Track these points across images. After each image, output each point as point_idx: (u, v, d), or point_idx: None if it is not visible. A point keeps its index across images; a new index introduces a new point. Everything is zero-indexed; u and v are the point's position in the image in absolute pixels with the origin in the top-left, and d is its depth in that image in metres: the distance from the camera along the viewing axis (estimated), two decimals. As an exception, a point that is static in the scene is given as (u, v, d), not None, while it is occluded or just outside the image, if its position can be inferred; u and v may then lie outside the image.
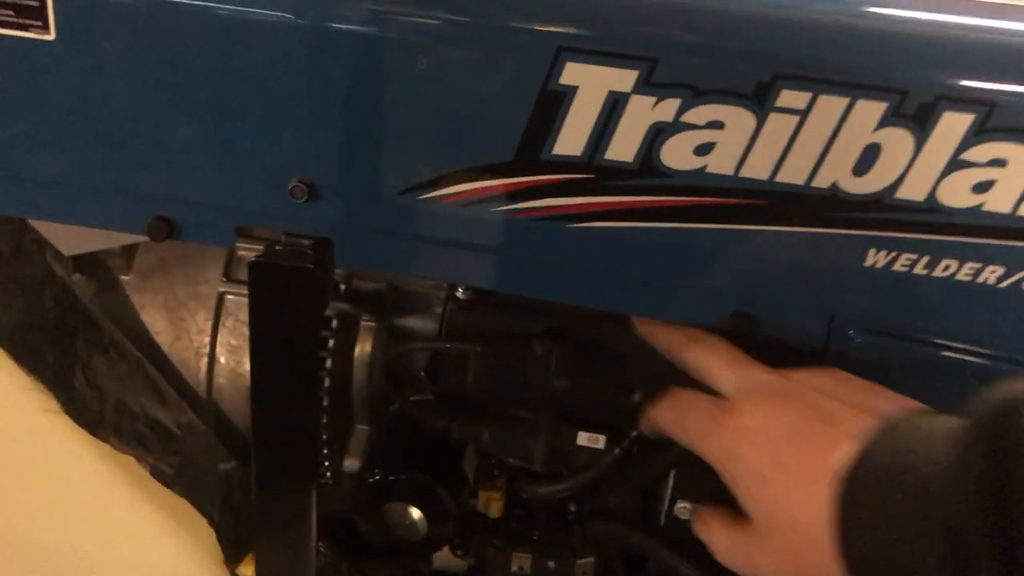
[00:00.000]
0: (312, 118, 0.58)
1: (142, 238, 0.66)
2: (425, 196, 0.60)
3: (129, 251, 0.85)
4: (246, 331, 0.84)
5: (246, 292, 0.82)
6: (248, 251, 0.81)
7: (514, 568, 0.85)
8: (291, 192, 0.61)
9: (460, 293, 0.70)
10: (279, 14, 0.56)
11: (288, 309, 0.64)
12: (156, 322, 0.86)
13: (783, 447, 0.51)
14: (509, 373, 0.73)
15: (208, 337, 0.85)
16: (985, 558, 0.40)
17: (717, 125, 0.55)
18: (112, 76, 0.59)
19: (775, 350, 0.63)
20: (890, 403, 0.52)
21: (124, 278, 0.86)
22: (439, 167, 0.59)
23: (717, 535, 0.57)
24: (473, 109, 0.57)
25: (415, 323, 0.86)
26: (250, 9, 0.56)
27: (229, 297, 0.84)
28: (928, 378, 0.61)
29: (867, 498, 0.46)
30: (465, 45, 0.56)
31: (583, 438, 0.74)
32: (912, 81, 0.53)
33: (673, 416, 0.60)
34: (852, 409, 0.51)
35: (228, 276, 0.84)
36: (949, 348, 0.60)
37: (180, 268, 0.86)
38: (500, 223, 0.60)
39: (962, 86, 0.53)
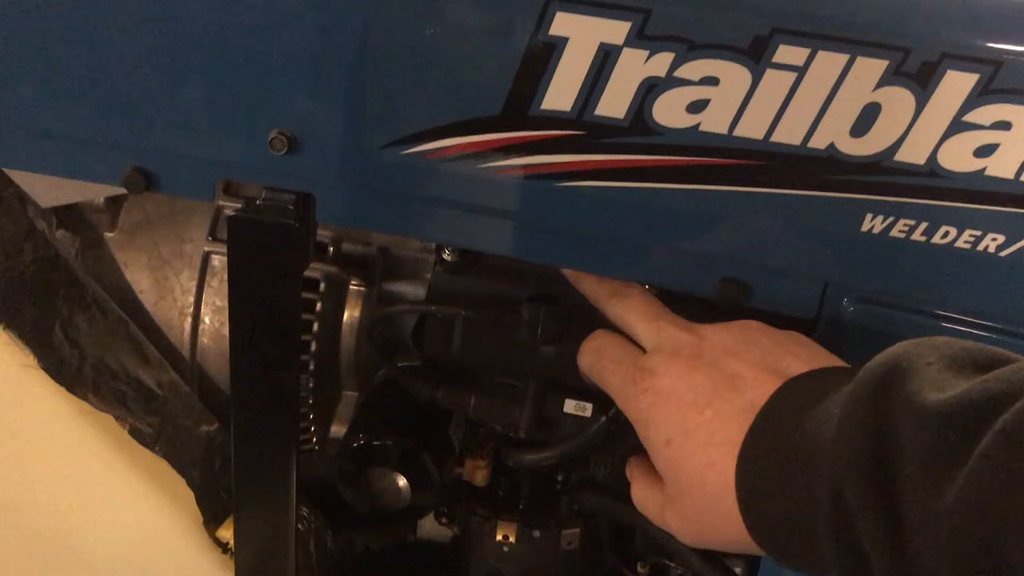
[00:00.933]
0: (292, 67, 0.57)
1: (119, 190, 0.64)
2: (408, 151, 0.58)
3: (114, 208, 0.83)
4: (231, 292, 0.83)
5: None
6: (234, 210, 0.79)
7: (499, 537, 0.84)
8: (271, 144, 0.59)
9: (446, 255, 0.68)
10: (260, -43, 0.54)
11: (268, 266, 0.63)
12: (140, 280, 0.84)
13: (689, 412, 0.52)
14: (496, 338, 0.71)
15: (193, 297, 0.83)
16: (866, 518, 0.41)
17: (712, 81, 0.53)
18: (89, 23, 0.57)
19: (765, 318, 0.61)
20: (799, 360, 0.53)
21: (108, 235, 0.84)
22: (423, 120, 0.57)
23: (637, 485, 0.60)
24: (459, 60, 0.55)
25: (405, 288, 0.85)
26: (230, -49, 0.54)
27: (215, 257, 0.83)
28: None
29: (762, 465, 0.48)
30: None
31: (570, 406, 0.72)
32: (915, 38, 0.51)
33: (595, 365, 0.61)
34: (759, 372, 0.52)
35: (214, 235, 0.82)
36: (946, 318, 0.58)
37: (166, 226, 0.84)
38: (486, 181, 0.58)
39: (967, 44, 0.51)
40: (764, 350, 0.54)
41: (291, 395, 0.70)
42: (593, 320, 0.70)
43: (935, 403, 0.40)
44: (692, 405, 0.52)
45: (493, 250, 0.63)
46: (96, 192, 0.72)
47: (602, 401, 0.73)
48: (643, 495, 0.59)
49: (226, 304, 0.83)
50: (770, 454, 0.47)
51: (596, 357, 0.61)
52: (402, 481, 0.82)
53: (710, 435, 0.51)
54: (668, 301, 0.62)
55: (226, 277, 0.83)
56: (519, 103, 0.55)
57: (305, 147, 0.59)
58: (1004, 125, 0.52)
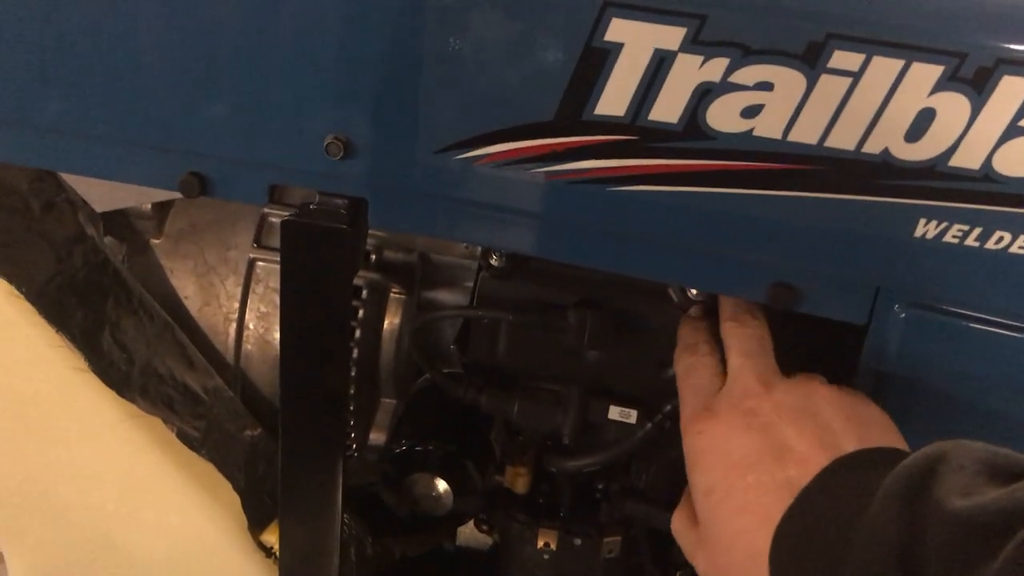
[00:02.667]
0: (349, 73, 0.57)
1: (174, 194, 0.65)
2: (461, 156, 0.59)
3: (160, 215, 0.84)
4: (276, 298, 0.84)
5: (277, 259, 0.82)
6: (279, 216, 0.80)
7: (539, 545, 0.84)
8: (326, 149, 0.59)
9: (494, 260, 0.69)
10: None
11: (320, 270, 0.63)
12: (186, 286, 0.85)
13: (733, 471, 0.53)
14: (541, 343, 0.72)
15: (237, 303, 0.84)
16: None
17: (766, 86, 0.54)
18: (145, 26, 0.58)
19: (818, 324, 0.61)
20: (853, 438, 0.53)
21: (155, 242, 0.85)
22: (477, 126, 0.58)
23: (680, 515, 0.60)
24: (514, 66, 0.56)
25: (445, 295, 0.85)
26: (290, -41, 0.55)
27: (260, 263, 0.84)
28: (977, 355, 0.59)
29: (796, 549, 0.47)
30: (514, 4, 0.54)
31: (614, 412, 0.73)
32: (971, 44, 0.51)
33: (680, 381, 0.62)
34: (809, 447, 0.52)
35: (259, 242, 0.83)
36: (1000, 325, 0.58)
37: (211, 233, 0.85)
38: (538, 186, 0.59)
39: (1023, 50, 0.51)
40: (821, 423, 0.54)
41: (340, 400, 0.71)
42: (640, 326, 0.70)
43: (962, 508, 0.40)
44: (736, 465, 0.53)
45: (544, 254, 0.63)
46: (149, 197, 0.73)
47: (647, 408, 0.73)
48: (682, 528, 0.59)
49: (270, 310, 0.84)
50: (805, 538, 0.47)
51: (684, 374, 0.62)
52: (444, 486, 0.82)
53: (747, 502, 0.51)
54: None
55: (271, 284, 0.84)
56: (573, 108, 0.56)
57: (359, 152, 0.60)
58: (1058, 129, 0.52)
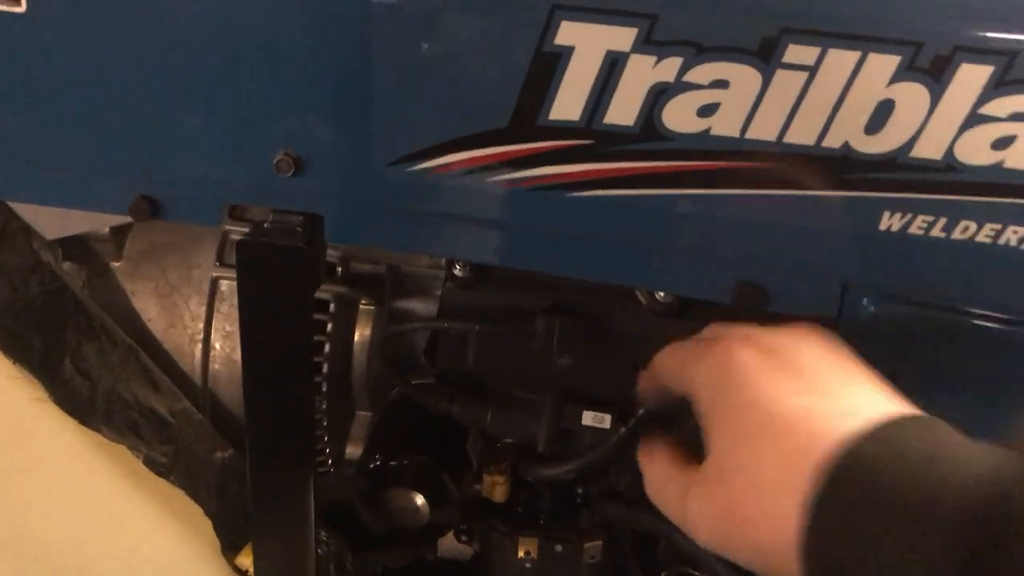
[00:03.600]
0: (295, 88, 0.56)
1: (125, 219, 0.64)
2: (415, 168, 0.57)
3: (119, 237, 0.82)
4: (240, 316, 0.82)
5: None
6: (241, 234, 0.79)
7: (520, 553, 0.83)
8: (277, 166, 0.58)
9: (457, 270, 0.68)
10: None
11: (278, 289, 0.62)
12: (148, 308, 0.83)
13: (788, 392, 0.44)
14: (511, 352, 0.71)
15: (202, 323, 0.83)
16: None
17: (721, 84, 0.53)
18: (88, 48, 0.57)
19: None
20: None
21: (115, 264, 0.84)
22: (429, 136, 0.56)
23: (657, 465, 0.52)
24: (464, 74, 0.54)
25: (416, 305, 0.84)
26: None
27: (223, 282, 0.82)
28: (948, 347, 0.58)
29: (840, 516, 0.39)
30: (456, 7, 0.53)
31: (588, 417, 0.71)
32: (927, 32, 0.50)
33: (669, 358, 0.55)
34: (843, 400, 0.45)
35: (221, 260, 0.82)
36: (969, 314, 0.57)
37: (172, 253, 0.84)
38: (495, 194, 0.58)
39: (980, 36, 0.50)
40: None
41: (307, 417, 0.70)
42: (610, 329, 0.69)
43: None
44: (794, 391, 0.45)
45: (505, 263, 0.62)
46: (102, 222, 0.71)
47: (621, 411, 0.72)
48: (663, 475, 0.51)
49: (236, 329, 0.83)
50: (851, 509, 0.39)
51: (671, 352, 0.55)
52: (420, 500, 0.81)
53: (799, 423, 0.43)
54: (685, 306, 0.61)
55: (235, 302, 0.83)
56: (526, 115, 0.55)
57: (311, 168, 0.58)
58: (1021, 116, 0.51)
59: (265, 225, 0.61)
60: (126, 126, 0.58)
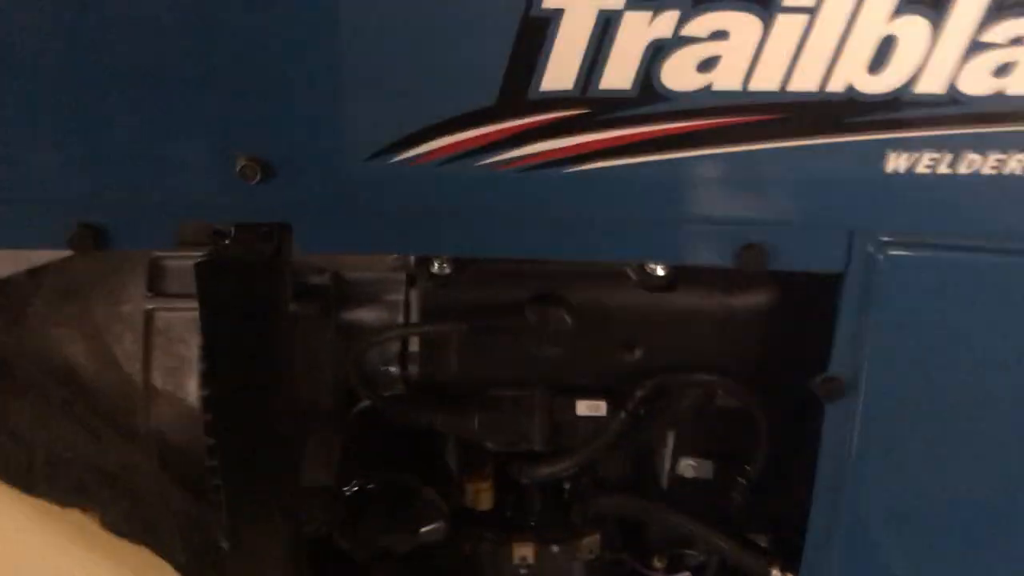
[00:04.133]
0: (258, 81, 0.50)
1: (60, 253, 0.56)
2: (398, 158, 0.52)
3: (36, 279, 0.74)
4: (182, 350, 0.75)
5: (177, 306, 0.73)
6: (175, 258, 0.72)
7: (516, 559, 0.79)
8: (241, 173, 0.52)
9: (436, 268, 0.63)
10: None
11: (247, 310, 0.56)
12: (77, 353, 0.75)
13: None
14: (497, 348, 0.66)
15: (139, 363, 0.75)
16: None
17: (721, 36, 0.50)
18: (13, 52, 0.49)
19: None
20: None
21: (35, 309, 0.75)
22: (412, 122, 0.51)
23: None
24: (445, 50, 0.50)
25: (366, 315, 0.78)
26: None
27: (159, 314, 0.74)
28: (963, 286, 0.57)
29: None
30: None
31: (583, 407, 0.68)
32: (925, -39, 0.49)
33: None
34: None
35: (153, 290, 0.74)
36: (982, 249, 0.56)
37: (95, 290, 0.76)
38: (486, 178, 0.53)
39: (979, -40, 0.48)
40: None
41: (285, 444, 0.63)
42: (598, 311, 0.66)
43: None
44: None
45: (499, 253, 0.58)
46: (26, 261, 0.63)
47: (615, 396, 0.69)
48: None
49: (178, 364, 0.75)
50: None
51: None
52: (406, 521, 0.76)
53: None
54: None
55: (173, 335, 0.75)
56: (516, 88, 0.51)
57: (280, 172, 0.52)
58: (1020, 41, 0.50)
59: (226, 241, 0.55)
60: (62, 146, 0.51)
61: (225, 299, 0.55)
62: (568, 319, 0.63)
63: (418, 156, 0.52)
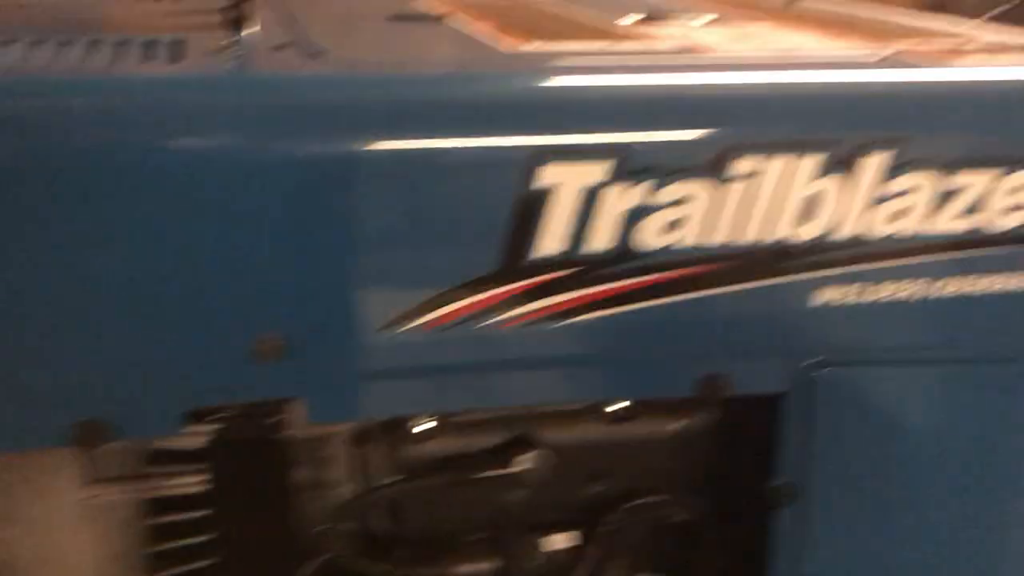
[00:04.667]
0: (281, 262, 0.53)
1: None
2: (408, 327, 0.56)
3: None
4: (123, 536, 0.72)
5: (115, 491, 0.71)
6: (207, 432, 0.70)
7: None
8: (259, 354, 0.54)
9: (418, 426, 0.66)
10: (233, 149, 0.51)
11: (259, 488, 0.57)
12: (16, 555, 0.71)
13: None
14: (473, 495, 0.69)
15: (89, 556, 0.71)
16: None
17: (683, 202, 0.58)
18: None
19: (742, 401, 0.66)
20: None
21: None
22: (423, 292, 0.56)
23: None
24: (453, 226, 0.55)
25: (319, 473, 0.79)
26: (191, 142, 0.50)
27: (101, 500, 0.72)
28: (892, 395, 0.67)
29: None
30: (438, 166, 0.54)
31: (558, 540, 0.72)
32: (840, 131, 0.59)
33: None
34: None
35: (96, 478, 0.72)
36: (898, 362, 0.66)
37: (19, 487, 0.72)
38: (488, 337, 0.58)
39: (880, 130, 0.60)
40: None
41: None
42: (566, 447, 0.71)
43: None
44: None
45: (495, 403, 0.62)
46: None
47: (588, 526, 0.73)
48: None
49: (136, 550, 0.73)
50: None
51: None
52: None
53: None
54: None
55: (119, 520, 0.73)
56: (515, 256, 0.56)
57: (297, 350, 0.55)
58: (910, 191, 0.62)
59: (236, 419, 0.56)
60: (62, 337, 0.51)
61: (240, 476, 0.56)
62: (544, 463, 0.68)
63: (428, 323, 0.57)
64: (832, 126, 0.60)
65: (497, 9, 0.85)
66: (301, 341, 0.55)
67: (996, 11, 1.46)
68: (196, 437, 0.62)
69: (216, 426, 0.57)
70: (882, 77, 0.63)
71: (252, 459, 0.56)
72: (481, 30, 0.74)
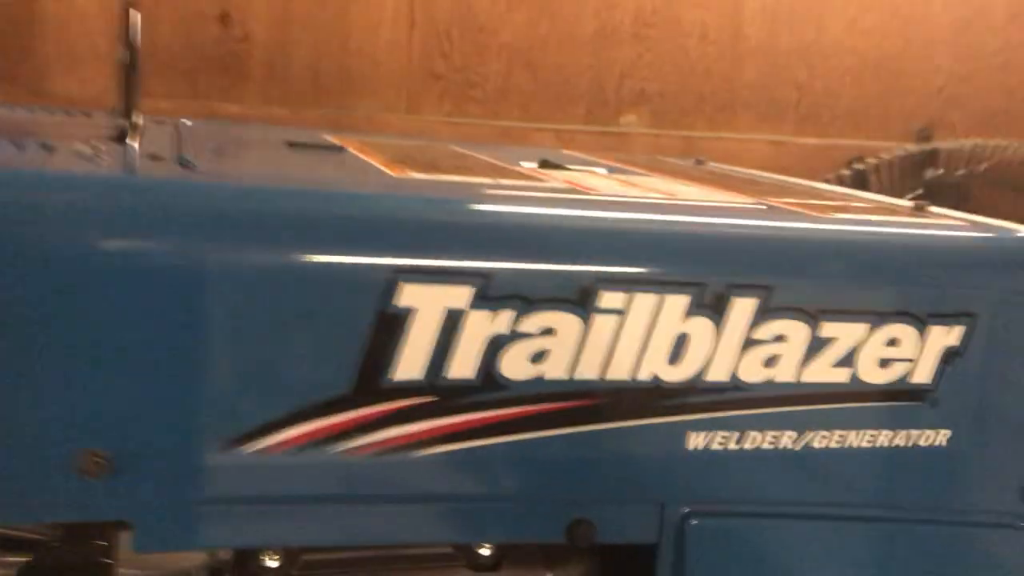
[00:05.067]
0: (110, 370, 0.50)
1: None
2: (251, 449, 0.53)
3: None
4: None
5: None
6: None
7: None
8: (81, 470, 0.50)
9: (270, 560, 0.61)
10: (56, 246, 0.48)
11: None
12: None
13: None
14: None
15: None
16: None
17: (549, 332, 0.57)
18: None
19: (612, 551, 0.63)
20: None
21: None
22: (267, 412, 0.53)
23: None
24: (303, 343, 0.53)
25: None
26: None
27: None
28: (764, 548, 0.64)
29: None
30: (294, 280, 0.52)
31: None
32: (706, 275, 0.59)
33: None
34: None
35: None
36: (771, 515, 0.64)
37: None
38: (338, 465, 0.55)
39: (746, 274, 0.60)
40: None
41: None
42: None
43: None
44: None
45: (347, 541, 0.58)
46: None
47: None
48: None
49: None
50: None
51: None
52: None
53: None
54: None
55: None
56: (370, 378, 0.54)
57: (124, 468, 0.51)
58: (781, 338, 0.61)
59: (53, 545, 0.52)
60: None
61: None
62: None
63: (272, 446, 0.53)
64: (700, 268, 0.60)
65: (403, 149, 0.86)
66: (129, 459, 0.51)
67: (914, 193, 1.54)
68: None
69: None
70: (751, 224, 0.63)
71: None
72: (374, 159, 0.74)
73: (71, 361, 0.50)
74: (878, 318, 0.63)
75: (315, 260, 0.53)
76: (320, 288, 0.53)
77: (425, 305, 0.54)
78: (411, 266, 0.54)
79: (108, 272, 0.49)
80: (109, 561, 0.51)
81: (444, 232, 0.55)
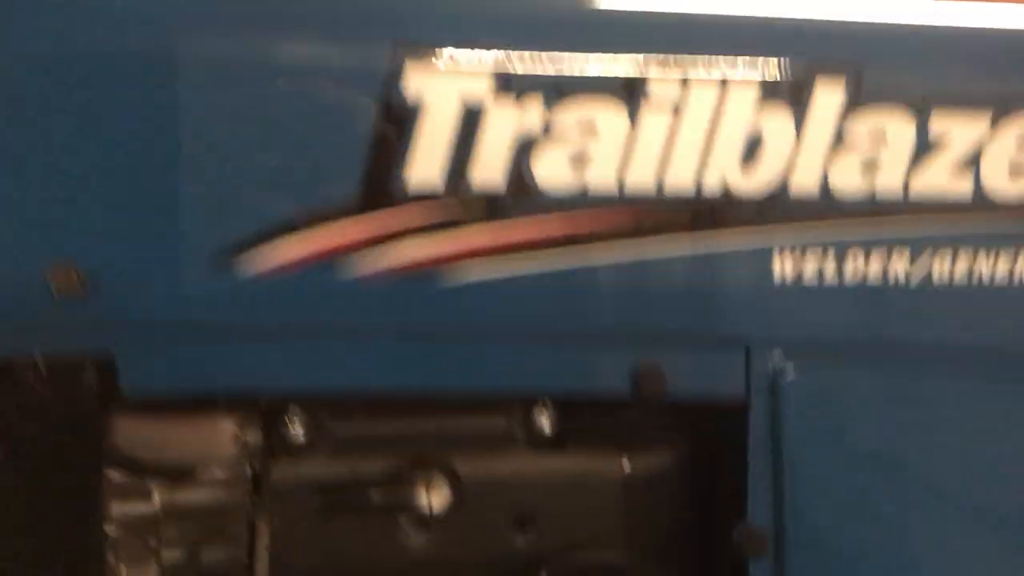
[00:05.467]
0: (78, 168, 0.44)
1: None
2: (244, 268, 0.46)
3: None
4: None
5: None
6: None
7: None
8: (55, 287, 0.44)
9: (292, 429, 0.53)
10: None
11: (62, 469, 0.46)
12: None
13: None
14: (362, 536, 0.56)
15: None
16: None
17: (589, 129, 0.48)
18: None
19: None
20: None
21: None
22: (262, 222, 0.46)
23: None
24: (300, 139, 0.46)
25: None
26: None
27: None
28: (878, 404, 0.53)
29: None
30: (292, 63, 0.45)
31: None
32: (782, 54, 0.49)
33: None
34: None
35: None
36: (874, 359, 0.52)
37: None
38: (347, 291, 0.47)
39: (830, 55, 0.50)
40: None
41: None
42: (483, 478, 0.57)
43: None
44: None
45: (369, 384, 0.50)
46: None
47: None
48: None
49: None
50: None
51: None
52: None
53: None
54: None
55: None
56: (379, 181, 0.46)
57: (102, 286, 0.45)
58: (880, 136, 0.50)
59: (30, 373, 0.46)
60: None
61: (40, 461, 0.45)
62: (450, 491, 0.54)
63: (271, 264, 0.46)
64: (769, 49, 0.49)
65: None
66: (107, 275, 0.45)
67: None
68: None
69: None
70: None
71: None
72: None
73: (41, 167, 0.44)
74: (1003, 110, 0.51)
75: (308, 46, 0.46)
76: (323, 70, 0.46)
77: (438, 95, 0.46)
78: (420, 48, 0.46)
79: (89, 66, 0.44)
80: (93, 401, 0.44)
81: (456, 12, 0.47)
